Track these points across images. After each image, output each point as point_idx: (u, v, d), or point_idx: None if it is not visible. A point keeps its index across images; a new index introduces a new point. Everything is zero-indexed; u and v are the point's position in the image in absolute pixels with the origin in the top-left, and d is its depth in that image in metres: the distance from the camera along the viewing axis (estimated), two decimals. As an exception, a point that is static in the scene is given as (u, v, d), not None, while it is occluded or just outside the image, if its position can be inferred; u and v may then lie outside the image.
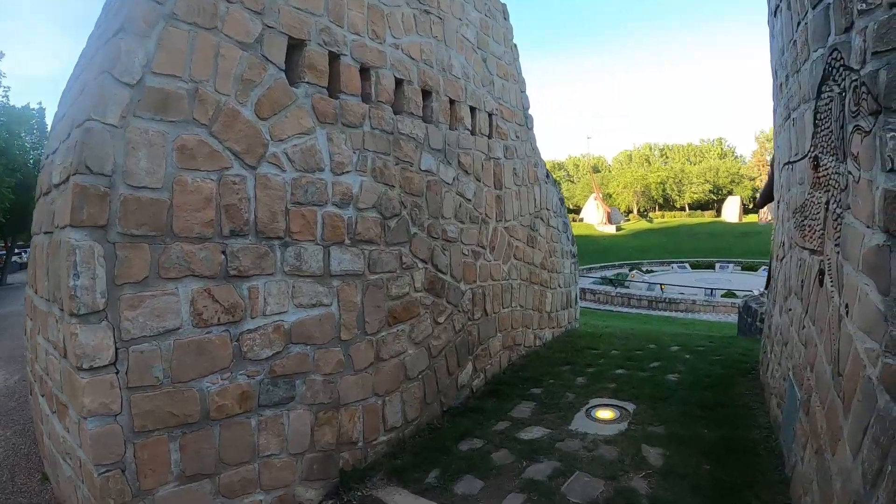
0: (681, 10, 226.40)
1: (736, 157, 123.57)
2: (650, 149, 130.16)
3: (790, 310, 6.24)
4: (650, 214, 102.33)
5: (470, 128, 9.02)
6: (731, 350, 12.46)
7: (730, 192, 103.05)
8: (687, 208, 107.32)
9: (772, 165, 16.00)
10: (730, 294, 38.79)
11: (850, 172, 3.40)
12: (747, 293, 40.84)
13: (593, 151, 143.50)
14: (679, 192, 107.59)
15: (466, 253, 8.85)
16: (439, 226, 8.06)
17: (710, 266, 58.22)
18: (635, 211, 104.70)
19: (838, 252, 3.74)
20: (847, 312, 3.39)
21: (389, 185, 6.96)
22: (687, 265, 58.32)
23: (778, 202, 8.30)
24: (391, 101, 7.11)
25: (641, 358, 11.41)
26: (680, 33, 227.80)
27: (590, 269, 59.19)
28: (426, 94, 7.90)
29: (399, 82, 7.30)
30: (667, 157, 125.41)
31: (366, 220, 6.54)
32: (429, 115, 7.94)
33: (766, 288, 17.32)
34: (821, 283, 4.44)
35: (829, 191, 4.13)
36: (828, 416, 3.81)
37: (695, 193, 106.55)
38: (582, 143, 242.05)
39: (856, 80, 3.17)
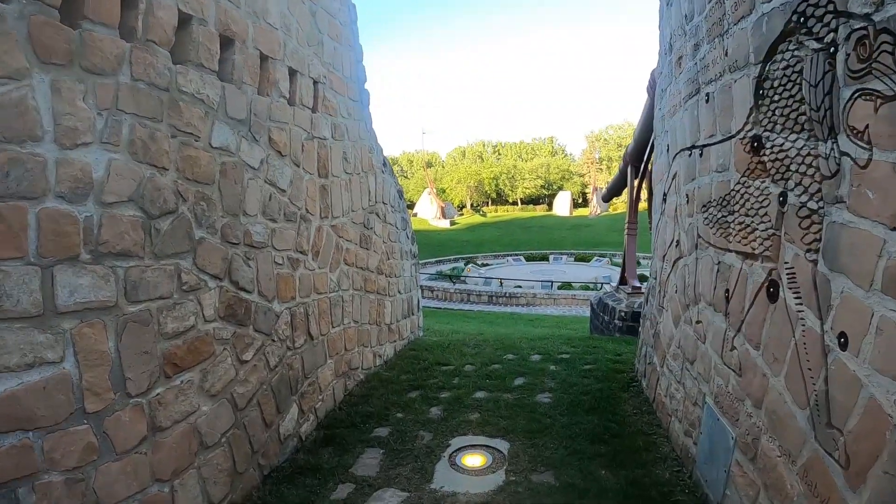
0: (513, 14, 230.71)
1: (566, 155, 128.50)
2: (483, 145, 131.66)
3: (699, 322, 5.51)
4: (484, 209, 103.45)
5: (287, 95, 6.60)
6: (600, 356, 11.15)
7: (560, 188, 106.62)
8: (520, 203, 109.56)
9: (625, 159, 14.89)
10: (567, 286, 38.63)
11: (845, 154, 2.74)
12: (588, 284, 41.48)
13: (428, 147, 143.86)
14: (512, 187, 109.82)
15: (280, 261, 6.53)
16: (240, 226, 5.64)
17: (545, 258, 58.75)
18: (469, 206, 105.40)
19: (815, 261, 3.09)
20: (844, 345, 2.72)
21: (159, 166, 4.45)
22: (522, 258, 58.57)
23: (665, 195, 7.29)
24: (169, 43, 4.57)
25: (502, 374, 9.80)
26: (511, 36, 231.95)
27: (425, 263, 58.37)
28: (226, 42, 5.38)
29: (186, 19, 4.75)
30: (500, 154, 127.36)
31: (118, 222, 4.02)
32: (228, 72, 5.45)
33: (620, 283, 16.29)
34: (772, 298, 3.72)
35: (785, 179, 3.48)
36: (808, 477, 3.13)
37: (527, 189, 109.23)
38: (416, 139, 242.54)
39: (863, 28, 2.50)
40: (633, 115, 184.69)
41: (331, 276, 8.11)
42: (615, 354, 11.19)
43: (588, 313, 24.53)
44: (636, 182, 15.05)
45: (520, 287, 35.01)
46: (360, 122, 9.31)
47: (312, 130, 7.38)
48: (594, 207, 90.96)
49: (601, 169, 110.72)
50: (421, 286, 31.15)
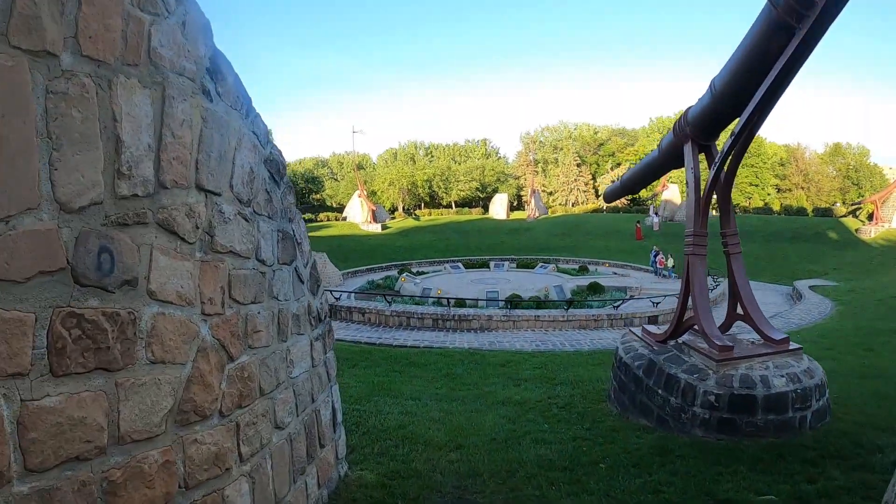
0: (443, 20, 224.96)
1: (500, 157, 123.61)
2: (416, 147, 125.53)
3: None
4: (417, 212, 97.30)
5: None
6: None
7: (496, 191, 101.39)
8: (454, 206, 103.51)
9: (678, 132, 8.15)
10: (515, 299, 32.34)
11: None
12: (538, 296, 35.39)
13: (359, 149, 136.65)
14: (446, 189, 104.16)
15: None
16: None
17: (485, 265, 52.86)
18: (401, 209, 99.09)
19: None
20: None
21: None
22: (460, 265, 52.15)
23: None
24: None
25: None
26: (443, 40, 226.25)
27: (355, 272, 52.47)
28: None
29: None
30: (433, 156, 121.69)
31: None
32: None
33: (675, 328, 9.30)
34: None
35: None
36: None
37: (462, 191, 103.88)
38: (347, 141, 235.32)
39: None
40: (571, 117, 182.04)
41: None
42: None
43: (551, 338, 18.04)
44: (713, 171, 8.38)
45: (469, 307, 28.81)
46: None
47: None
48: (532, 210, 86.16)
49: (537, 171, 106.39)
50: (350, 308, 24.60)
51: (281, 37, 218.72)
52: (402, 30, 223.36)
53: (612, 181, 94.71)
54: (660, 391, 8.27)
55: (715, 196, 8.61)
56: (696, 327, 8.93)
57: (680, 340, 9.13)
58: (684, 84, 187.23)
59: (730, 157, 8.00)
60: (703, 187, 8.50)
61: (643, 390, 8.66)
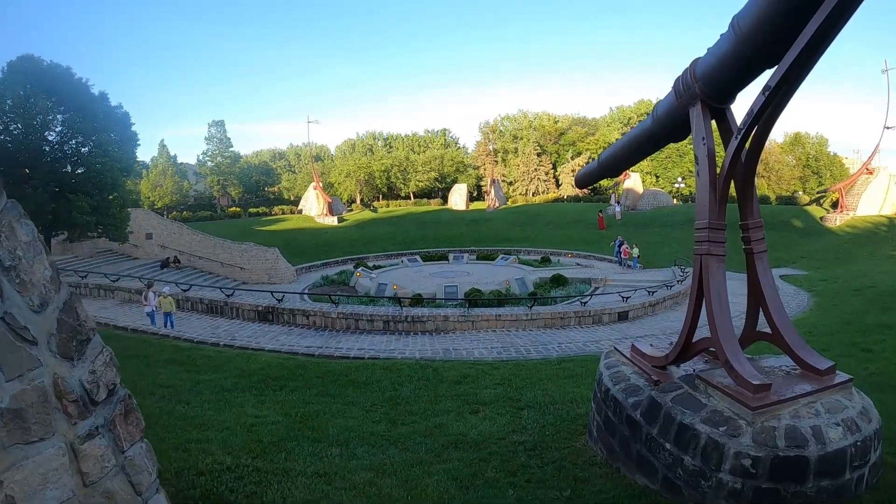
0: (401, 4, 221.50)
1: (459, 147, 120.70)
2: (374, 138, 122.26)
3: None
4: (375, 204, 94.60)
5: None
6: None
7: (455, 181, 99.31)
8: (412, 197, 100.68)
9: (682, 91, 5.77)
10: (475, 294, 30.09)
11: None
12: (500, 290, 33.19)
13: (318, 141, 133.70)
14: (405, 180, 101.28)
15: None
16: None
17: (444, 257, 51.08)
18: (359, 201, 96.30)
19: None
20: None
21: None
22: (418, 258, 50.37)
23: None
24: None
25: None
26: (401, 26, 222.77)
27: (310, 267, 50.40)
28: None
29: None
30: (391, 147, 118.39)
31: None
32: None
33: (682, 352, 6.67)
34: None
35: None
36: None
37: (420, 182, 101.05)
38: (303, 133, 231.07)
39: None
40: (533, 106, 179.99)
41: None
42: None
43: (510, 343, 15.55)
44: (735, 140, 5.82)
45: (426, 306, 26.44)
46: None
47: None
48: (492, 201, 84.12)
49: (497, 161, 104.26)
50: (293, 311, 22.19)
51: (242, 28, 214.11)
52: (364, 22, 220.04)
53: (587, 161, 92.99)
54: (668, 445, 5.91)
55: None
56: (710, 350, 6.62)
57: (689, 369, 6.81)
58: (645, 74, 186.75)
59: (758, 123, 5.64)
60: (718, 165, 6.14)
61: (642, 440, 6.28)
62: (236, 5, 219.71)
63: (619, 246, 45.17)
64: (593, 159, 10.92)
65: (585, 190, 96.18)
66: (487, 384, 12.40)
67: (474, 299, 25.85)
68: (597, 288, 34.72)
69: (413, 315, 21.65)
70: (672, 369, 6.90)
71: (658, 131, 7.39)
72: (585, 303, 23.77)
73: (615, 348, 8.24)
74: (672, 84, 6.74)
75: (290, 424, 9.31)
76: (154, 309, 21.11)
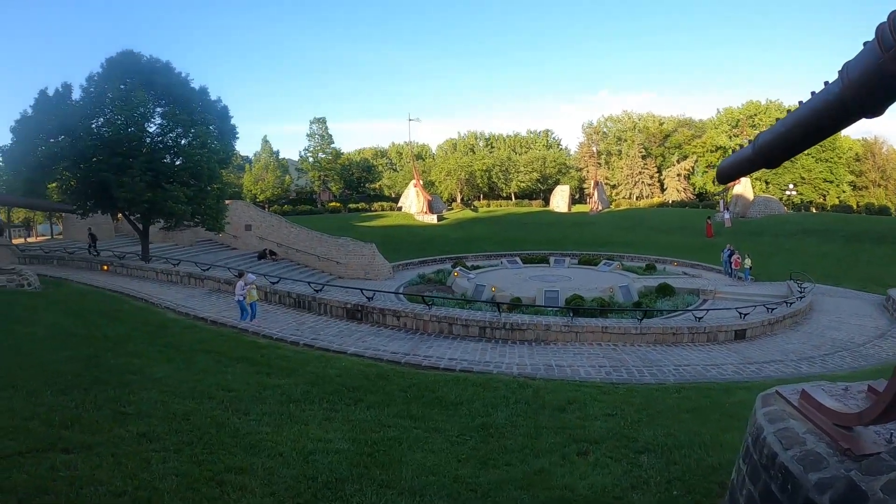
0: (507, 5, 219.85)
1: (561, 148, 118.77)
2: (476, 138, 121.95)
3: None
4: (475, 203, 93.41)
5: None
6: None
7: (556, 182, 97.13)
8: (513, 197, 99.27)
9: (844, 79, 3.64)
10: (577, 300, 28.24)
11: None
12: (603, 298, 31.18)
13: (418, 139, 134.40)
14: (506, 180, 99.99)
15: None
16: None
17: (544, 260, 48.96)
18: (459, 200, 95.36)
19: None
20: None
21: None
22: (518, 259, 48.62)
23: None
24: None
25: None
26: (506, 27, 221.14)
27: (407, 264, 49.70)
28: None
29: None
30: (493, 147, 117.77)
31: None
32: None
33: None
34: None
35: None
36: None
37: (522, 182, 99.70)
38: (405, 131, 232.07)
39: None
40: (637, 106, 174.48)
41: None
42: None
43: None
44: None
45: (525, 312, 24.72)
46: None
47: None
48: (595, 203, 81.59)
49: (600, 163, 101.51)
50: (383, 310, 20.98)
51: (341, 30, 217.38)
52: (466, 22, 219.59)
53: (694, 165, 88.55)
54: None
55: None
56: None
57: (886, 433, 4.89)
58: (755, 74, 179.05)
59: None
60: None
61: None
62: (341, 8, 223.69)
63: (729, 256, 41.82)
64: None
65: (692, 195, 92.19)
66: (597, 414, 10.55)
67: (577, 308, 23.91)
68: (705, 300, 32.13)
69: (512, 322, 19.90)
70: (862, 431, 4.99)
71: (850, 98, 5.24)
72: (700, 318, 21.44)
73: (778, 393, 6.26)
74: (875, 32, 4.69)
75: (356, 456, 7.80)
76: (242, 297, 20.41)
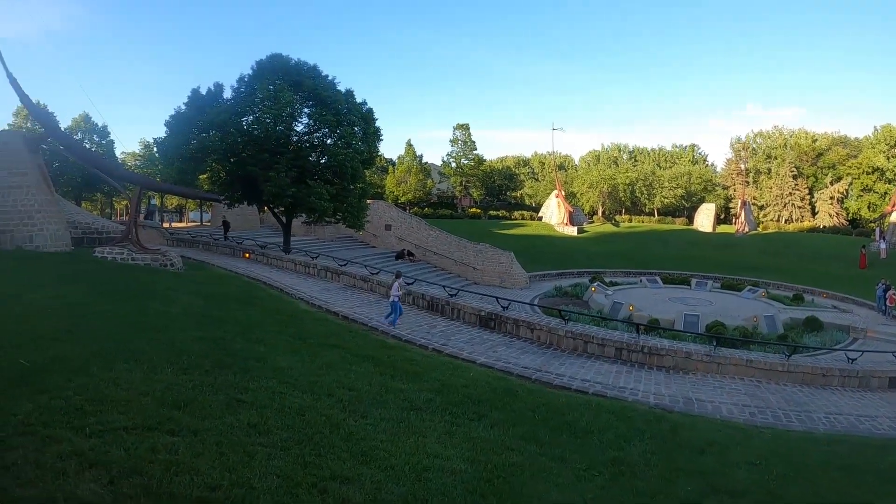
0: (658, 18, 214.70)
1: (707, 164, 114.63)
2: (619, 150, 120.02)
3: None
4: (616, 217, 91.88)
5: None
6: None
7: (701, 200, 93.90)
8: (656, 214, 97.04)
9: None
10: (718, 327, 27.51)
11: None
12: (746, 327, 29.98)
13: (561, 150, 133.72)
14: (649, 195, 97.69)
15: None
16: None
17: (685, 281, 47.38)
18: (600, 213, 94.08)
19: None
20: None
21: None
22: (658, 279, 47.38)
23: None
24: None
25: None
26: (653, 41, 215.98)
27: (543, 275, 49.65)
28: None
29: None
30: (636, 160, 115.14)
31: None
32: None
33: None
34: None
35: None
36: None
37: (665, 198, 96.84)
38: (548, 141, 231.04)
39: None
40: (788, 122, 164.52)
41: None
42: None
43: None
44: None
45: (662, 335, 24.24)
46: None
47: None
48: (741, 224, 78.34)
49: (748, 182, 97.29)
50: (517, 321, 22.13)
51: (488, 40, 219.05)
52: (614, 34, 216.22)
53: (848, 188, 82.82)
54: None
55: None
56: None
57: None
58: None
59: None
60: None
61: None
62: (486, 20, 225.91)
63: (884, 292, 38.46)
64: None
65: (844, 220, 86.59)
66: (739, 460, 10.00)
67: (720, 336, 23.09)
68: (856, 339, 30.10)
69: (650, 346, 19.33)
70: None
71: None
72: (854, 360, 20.22)
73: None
74: None
75: (473, 480, 7.48)
76: (397, 298, 20.55)
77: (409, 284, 26.52)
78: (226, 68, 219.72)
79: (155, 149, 45.02)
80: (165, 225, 53.85)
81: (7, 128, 49.55)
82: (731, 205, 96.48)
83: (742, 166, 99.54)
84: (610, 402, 13.53)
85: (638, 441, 10.52)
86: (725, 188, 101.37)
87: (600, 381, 16.03)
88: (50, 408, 7.17)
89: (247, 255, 36.66)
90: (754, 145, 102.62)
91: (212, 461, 6.30)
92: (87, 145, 59.68)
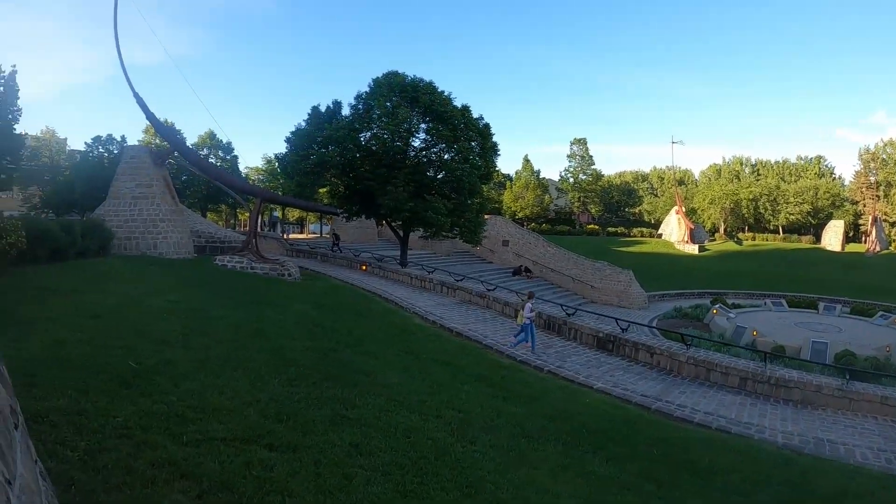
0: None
1: (835, 177, 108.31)
2: (741, 163, 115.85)
3: None
4: (739, 235, 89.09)
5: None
6: None
7: (829, 216, 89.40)
8: (781, 231, 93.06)
9: None
10: (848, 357, 26.78)
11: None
12: (877, 357, 28.94)
13: (681, 164, 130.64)
14: (773, 211, 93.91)
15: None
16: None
17: (812, 305, 45.19)
18: (722, 230, 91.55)
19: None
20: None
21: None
22: (783, 302, 45.84)
23: None
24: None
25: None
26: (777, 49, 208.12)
27: (662, 295, 49.29)
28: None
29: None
30: (759, 174, 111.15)
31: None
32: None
33: None
34: None
35: None
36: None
37: (791, 214, 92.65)
38: (667, 156, 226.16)
39: None
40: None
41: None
42: None
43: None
44: None
45: (788, 364, 23.34)
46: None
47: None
48: (872, 243, 74.60)
49: (878, 196, 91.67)
50: (636, 344, 21.56)
51: (604, 55, 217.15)
52: (734, 46, 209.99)
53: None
54: None
55: None
56: None
57: None
58: None
59: None
60: None
61: None
62: (603, 35, 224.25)
63: None
64: None
65: None
66: None
67: (853, 369, 22.22)
68: None
69: (777, 377, 18.47)
70: None
71: None
72: None
73: None
74: None
75: None
76: (530, 320, 20.25)
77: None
78: (342, 85, 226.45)
79: (276, 164, 47.68)
80: (285, 236, 56.51)
81: (138, 143, 53.63)
82: (860, 221, 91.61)
83: (872, 179, 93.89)
84: (734, 440, 13.00)
85: (766, 486, 9.94)
86: (854, 203, 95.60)
87: (724, 416, 15.36)
88: (151, 412, 7.22)
89: (364, 267, 37.94)
90: (885, 155, 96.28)
91: (307, 482, 6.09)
92: (212, 160, 62.74)
